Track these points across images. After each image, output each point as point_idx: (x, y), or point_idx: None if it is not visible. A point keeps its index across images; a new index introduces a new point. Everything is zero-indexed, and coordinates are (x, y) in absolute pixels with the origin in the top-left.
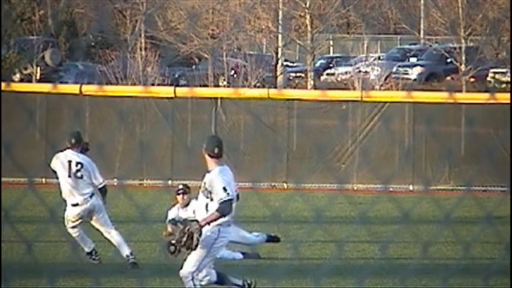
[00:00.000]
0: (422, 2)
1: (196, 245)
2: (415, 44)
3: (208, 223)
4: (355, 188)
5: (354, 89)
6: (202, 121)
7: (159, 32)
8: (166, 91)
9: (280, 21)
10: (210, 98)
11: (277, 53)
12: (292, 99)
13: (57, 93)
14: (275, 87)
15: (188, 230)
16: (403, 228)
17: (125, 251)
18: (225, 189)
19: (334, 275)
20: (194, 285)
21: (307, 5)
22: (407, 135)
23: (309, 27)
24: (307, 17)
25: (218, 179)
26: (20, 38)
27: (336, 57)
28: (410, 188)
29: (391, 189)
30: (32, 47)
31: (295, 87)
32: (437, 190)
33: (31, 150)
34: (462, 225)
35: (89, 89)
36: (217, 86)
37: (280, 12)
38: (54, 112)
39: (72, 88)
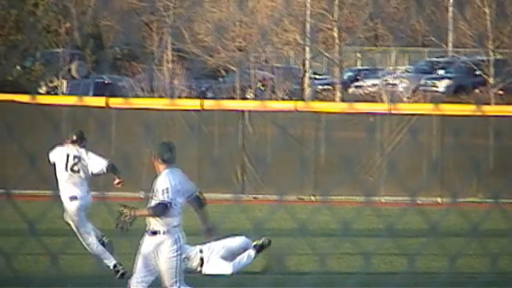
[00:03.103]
0: (450, 14)
1: (127, 229)
2: (443, 56)
3: (141, 215)
4: (382, 200)
5: (382, 101)
6: (229, 134)
7: (185, 44)
8: (193, 104)
9: (307, 34)
10: (237, 111)
11: (304, 66)
12: (320, 112)
13: (83, 106)
14: (302, 100)
15: (124, 214)
16: (430, 241)
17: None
18: (163, 191)
19: (360, 287)
20: None
21: (335, 18)
22: (435, 148)
23: (336, 40)
24: (335, 29)
25: (161, 181)
26: (46, 51)
27: (364, 69)
28: (438, 200)
29: (418, 201)
30: (58, 60)
31: (322, 100)
32: (465, 202)
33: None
34: (490, 237)
35: (116, 101)
36: (244, 98)
37: (308, 25)
38: (80, 125)
39: (98, 100)
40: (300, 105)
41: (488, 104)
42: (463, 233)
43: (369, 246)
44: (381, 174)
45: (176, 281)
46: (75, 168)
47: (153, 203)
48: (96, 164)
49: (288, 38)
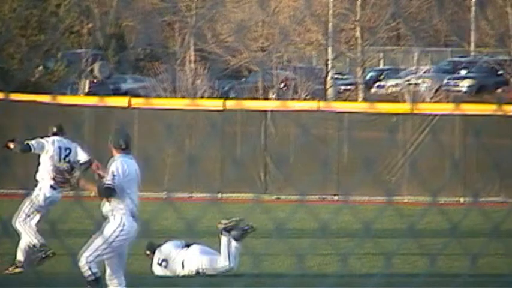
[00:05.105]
0: (472, 14)
1: (72, 187)
2: (465, 56)
3: (84, 186)
4: (405, 200)
5: (404, 101)
6: (252, 134)
7: (208, 45)
8: (216, 104)
9: (330, 34)
10: (260, 111)
11: (327, 66)
12: (342, 112)
13: (105, 107)
14: (325, 100)
15: (72, 175)
16: (452, 241)
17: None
18: (111, 175)
19: (382, 287)
20: (91, 272)
21: (357, 18)
22: (457, 148)
23: (359, 40)
24: (357, 29)
25: (113, 165)
26: (68, 51)
27: (386, 69)
28: (461, 200)
29: (440, 201)
30: (81, 60)
31: (345, 100)
32: (487, 202)
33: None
34: None
35: (138, 102)
36: (266, 98)
37: (330, 25)
38: (102, 125)
39: (120, 101)
40: (322, 105)
41: (511, 103)
42: (485, 233)
43: (391, 246)
44: (403, 174)
45: (92, 255)
46: (66, 159)
47: (102, 184)
48: (83, 154)
49: (311, 38)
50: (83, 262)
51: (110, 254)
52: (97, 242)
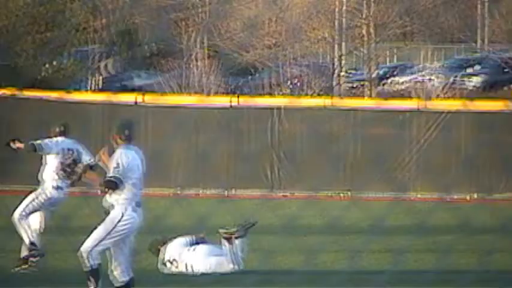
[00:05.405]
0: (483, 11)
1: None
2: (475, 53)
3: (89, 178)
4: (414, 197)
5: (414, 98)
6: (261, 130)
7: (218, 41)
8: (225, 100)
9: (340, 30)
10: (269, 107)
11: (340, 62)
12: (352, 109)
13: (114, 103)
14: (335, 96)
15: (77, 169)
16: (461, 238)
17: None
18: (114, 168)
19: (392, 284)
20: (90, 264)
21: (368, 14)
22: (466, 144)
23: (371, 36)
24: (368, 25)
25: (116, 156)
26: (79, 48)
27: (396, 66)
28: (469, 197)
29: (449, 198)
30: (92, 56)
31: (355, 96)
32: (497, 199)
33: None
34: None
35: (147, 98)
36: (276, 95)
37: (342, 20)
38: (111, 121)
39: (129, 97)
40: (332, 101)
41: None
42: (494, 229)
43: (400, 243)
44: (412, 171)
45: (92, 245)
46: (70, 160)
47: (106, 177)
48: (86, 157)
49: (321, 35)
50: (83, 252)
51: (111, 243)
52: (98, 232)
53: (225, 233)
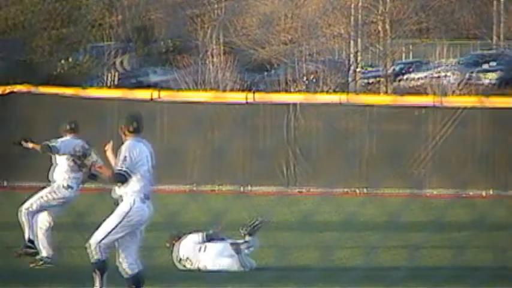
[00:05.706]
0: (500, 7)
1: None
2: (492, 49)
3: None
4: (432, 192)
5: (430, 94)
6: (277, 127)
7: (234, 37)
8: (241, 96)
9: (356, 27)
10: (285, 103)
11: (356, 58)
12: (368, 105)
13: (130, 99)
14: (351, 93)
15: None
16: (477, 234)
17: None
18: (122, 161)
19: (408, 280)
20: (98, 256)
21: (384, 10)
22: (482, 141)
23: (387, 32)
24: (384, 21)
25: (124, 149)
26: (95, 44)
27: (412, 62)
28: (484, 193)
29: (465, 194)
30: (108, 53)
31: (371, 93)
32: None
33: (102, 156)
34: None
35: (163, 94)
36: (292, 91)
37: (358, 17)
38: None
39: (145, 93)
40: (348, 97)
41: None
42: (510, 225)
43: (416, 239)
44: (428, 167)
45: (101, 237)
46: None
47: (114, 171)
48: (95, 157)
49: (337, 31)
50: (92, 244)
51: (119, 235)
52: (107, 224)
53: (233, 243)
